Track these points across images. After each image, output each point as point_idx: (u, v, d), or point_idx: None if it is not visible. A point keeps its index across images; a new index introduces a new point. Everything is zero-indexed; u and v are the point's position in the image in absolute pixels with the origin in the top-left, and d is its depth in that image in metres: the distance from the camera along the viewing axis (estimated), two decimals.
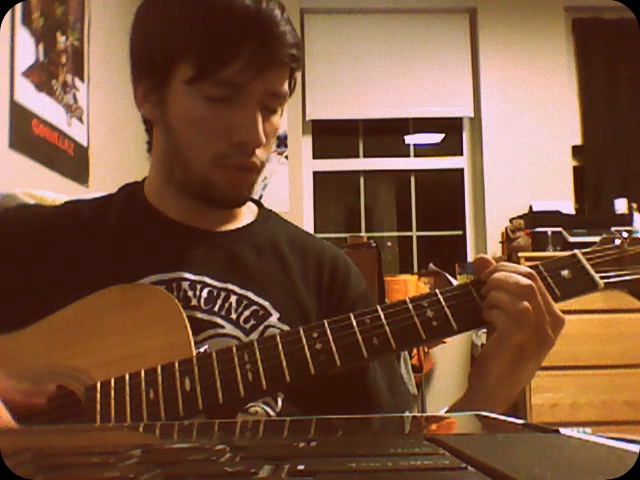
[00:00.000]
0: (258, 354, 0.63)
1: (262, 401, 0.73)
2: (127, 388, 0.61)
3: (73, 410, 0.62)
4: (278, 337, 0.64)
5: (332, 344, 0.63)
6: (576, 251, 0.71)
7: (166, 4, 0.77)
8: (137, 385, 0.61)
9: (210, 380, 0.61)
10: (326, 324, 0.65)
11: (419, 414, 0.63)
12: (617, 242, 0.72)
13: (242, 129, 0.74)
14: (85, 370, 0.65)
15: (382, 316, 0.65)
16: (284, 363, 0.62)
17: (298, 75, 0.82)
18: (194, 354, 0.64)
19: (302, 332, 0.64)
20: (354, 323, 0.65)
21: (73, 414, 0.62)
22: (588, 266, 0.69)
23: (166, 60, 0.74)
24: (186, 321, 0.67)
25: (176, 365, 0.62)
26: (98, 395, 0.61)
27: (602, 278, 0.69)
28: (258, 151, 0.77)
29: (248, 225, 0.86)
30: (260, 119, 0.75)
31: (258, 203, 0.92)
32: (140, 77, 0.79)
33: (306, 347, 0.63)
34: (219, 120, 0.74)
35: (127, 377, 0.61)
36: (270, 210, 0.92)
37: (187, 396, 0.60)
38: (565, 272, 0.69)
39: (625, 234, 0.73)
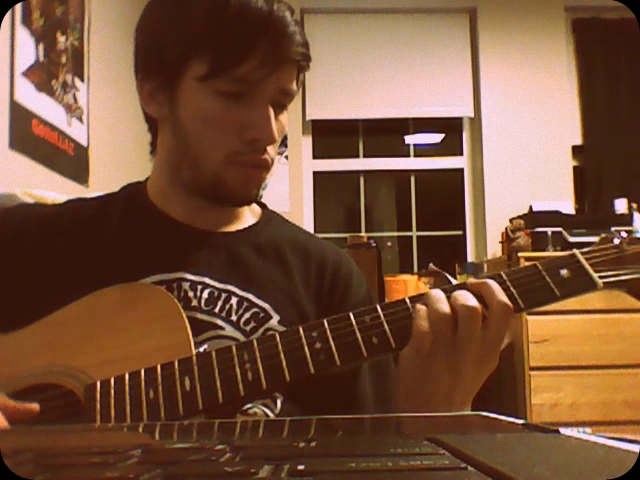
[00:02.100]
0: (258, 353, 0.62)
1: (261, 403, 0.73)
2: (127, 388, 0.61)
3: (73, 410, 0.62)
4: (278, 336, 0.64)
5: (332, 343, 0.63)
6: (575, 250, 0.71)
7: (177, 1, 0.77)
8: (137, 385, 0.61)
9: (210, 379, 0.61)
10: (326, 323, 0.65)
11: (419, 414, 0.62)
12: (616, 241, 0.72)
13: (255, 126, 0.75)
14: (85, 369, 0.64)
15: (382, 315, 0.65)
16: (284, 362, 0.62)
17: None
18: (194, 354, 0.64)
19: (302, 331, 0.64)
20: (354, 322, 0.64)
21: (73, 414, 0.62)
22: (587, 265, 0.69)
23: (178, 57, 0.74)
24: (186, 321, 0.67)
25: (176, 364, 0.62)
26: (98, 395, 0.61)
27: (601, 278, 0.69)
28: (269, 148, 0.77)
29: (250, 227, 0.86)
30: (273, 116, 0.75)
31: (261, 204, 0.92)
32: (147, 75, 0.78)
33: (306, 346, 0.63)
34: (232, 117, 0.74)
35: (127, 376, 0.61)
36: (273, 212, 0.91)
37: (187, 396, 0.60)
38: (564, 271, 0.69)
39: (624, 234, 0.73)
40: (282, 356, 0.62)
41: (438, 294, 0.65)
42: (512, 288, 0.67)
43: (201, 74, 0.73)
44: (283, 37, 0.73)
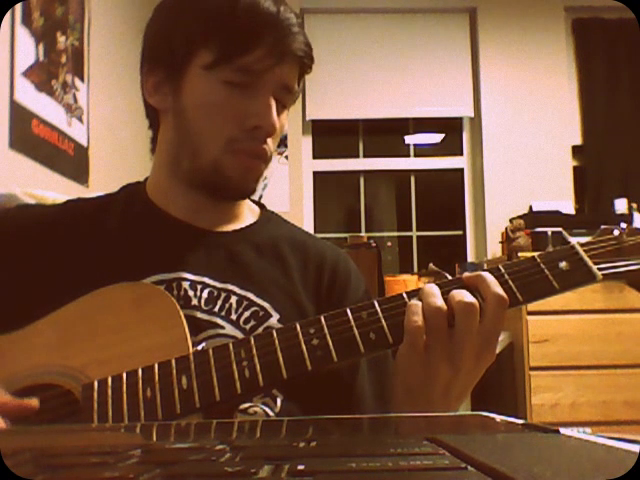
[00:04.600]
0: (255, 350, 0.62)
1: (261, 402, 0.73)
2: (124, 387, 0.61)
3: (70, 409, 0.62)
4: (275, 333, 0.64)
5: (329, 339, 0.63)
6: (574, 242, 0.71)
7: None
8: (134, 383, 0.61)
9: (207, 377, 0.61)
10: (323, 319, 0.64)
11: (419, 414, 0.62)
12: (616, 233, 0.71)
13: (257, 114, 0.76)
14: (82, 369, 0.64)
15: (379, 311, 0.65)
16: (281, 359, 0.62)
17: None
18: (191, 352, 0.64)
19: (299, 328, 0.64)
20: (351, 318, 0.64)
21: (70, 413, 0.62)
22: (586, 258, 0.69)
23: (186, 47, 0.77)
24: (183, 319, 0.67)
25: (173, 363, 0.62)
26: (95, 394, 0.61)
27: (600, 269, 0.68)
28: (269, 141, 0.79)
29: (249, 226, 0.86)
30: (275, 107, 0.77)
31: (260, 204, 0.92)
32: (154, 67, 0.80)
33: (303, 343, 0.63)
34: (235, 105, 0.76)
35: (124, 375, 0.61)
36: (272, 212, 0.92)
37: (184, 394, 0.60)
38: (563, 264, 0.68)
39: (624, 225, 0.72)
40: (279, 353, 0.62)
41: (432, 289, 0.65)
42: (510, 282, 0.67)
43: (207, 62, 0.75)
44: (288, 34, 0.76)
